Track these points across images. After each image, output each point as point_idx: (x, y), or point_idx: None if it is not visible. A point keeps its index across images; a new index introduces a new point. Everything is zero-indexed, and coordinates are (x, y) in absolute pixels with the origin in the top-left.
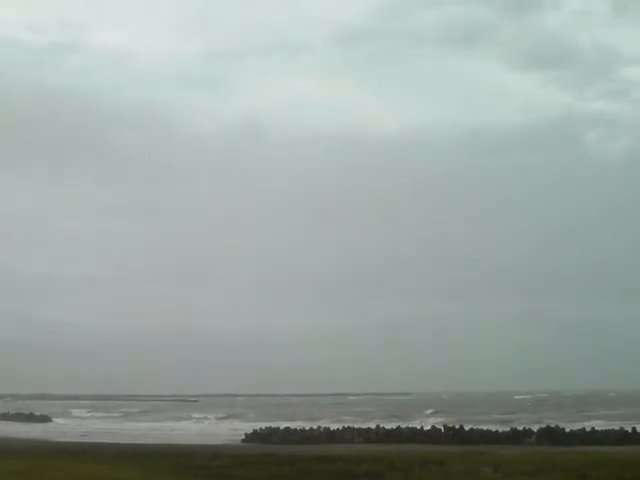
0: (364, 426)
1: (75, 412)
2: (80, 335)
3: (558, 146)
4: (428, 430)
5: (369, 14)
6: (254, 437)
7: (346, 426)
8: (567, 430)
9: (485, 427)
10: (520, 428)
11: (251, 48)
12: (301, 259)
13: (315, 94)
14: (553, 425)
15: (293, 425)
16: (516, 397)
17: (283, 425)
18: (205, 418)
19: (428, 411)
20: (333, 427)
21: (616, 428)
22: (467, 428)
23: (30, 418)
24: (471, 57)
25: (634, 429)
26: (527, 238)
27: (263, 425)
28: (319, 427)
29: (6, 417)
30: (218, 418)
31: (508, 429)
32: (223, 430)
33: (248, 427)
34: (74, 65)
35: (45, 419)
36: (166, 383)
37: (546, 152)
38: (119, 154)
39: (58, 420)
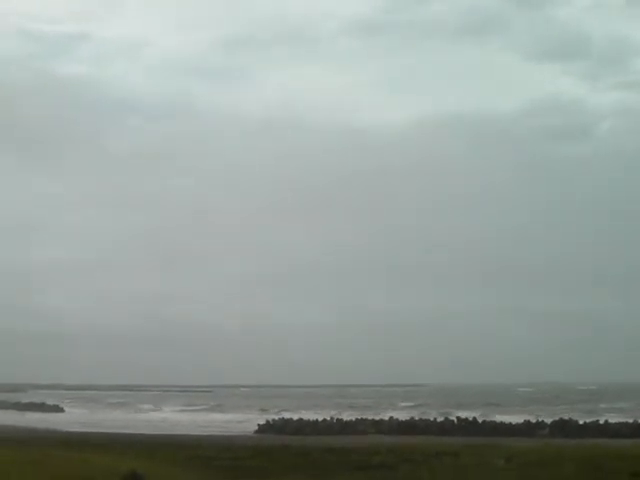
0: (376, 417)
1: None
2: (89, 325)
3: (571, 137)
4: (441, 422)
5: (381, 5)
6: (267, 428)
7: (360, 417)
8: (580, 422)
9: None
10: (533, 420)
11: (262, 39)
12: (298, 251)
13: (326, 85)
14: (566, 417)
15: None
16: (519, 389)
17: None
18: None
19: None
20: (346, 418)
21: (630, 421)
22: (480, 420)
23: (42, 408)
24: (484, 49)
25: None
26: (533, 230)
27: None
28: (332, 418)
29: (18, 407)
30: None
31: (521, 421)
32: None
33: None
34: (86, 55)
35: (57, 409)
36: (177, 374)
37: (559, 143)
38: (127, 144)
39: (71, 410)
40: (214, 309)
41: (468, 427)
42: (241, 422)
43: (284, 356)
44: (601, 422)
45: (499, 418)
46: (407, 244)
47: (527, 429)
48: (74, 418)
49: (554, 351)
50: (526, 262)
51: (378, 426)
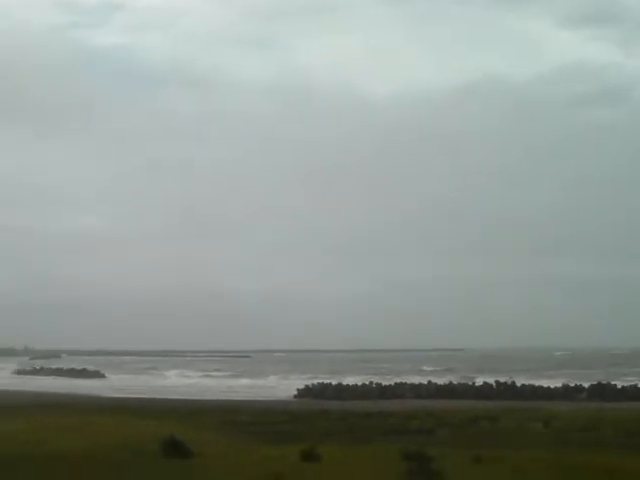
0: (415, 382)
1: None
2: (123, 293)
3: (607, 103)
4: (480, 386)
5: None
6: (306, 392)
7: (398, 382)
8: (619, 386)
9: (537, 382)
10: (572, 384)
11: (296, 8)
12: (329, 223)
13: (360, 53)
14: (604, 381)
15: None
16: (556, 353)
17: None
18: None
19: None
20: (385, 383)
21: None
22: (519, 384)
23: (83, 374)
24: (520, 15)
25: None
26: (566, 199)
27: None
28: (371, 382)
29: (58, 373)
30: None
31: (560, 385)
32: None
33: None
34: (120, 25)
35: (98, 375)
36: (217, 339)
37: (593, 109)
38: (160, 114)
39: (111, 376)
40: (247, 277)
41: (507, 391)
42: (272, 387)
43: (318, 322)
44: (639, 386)
45: (537, 382)
46: (438, 215)
47: (565, 393)
48: (112, 384)
49: (588, 317)
50: (560, 231)
51: (416, 390)
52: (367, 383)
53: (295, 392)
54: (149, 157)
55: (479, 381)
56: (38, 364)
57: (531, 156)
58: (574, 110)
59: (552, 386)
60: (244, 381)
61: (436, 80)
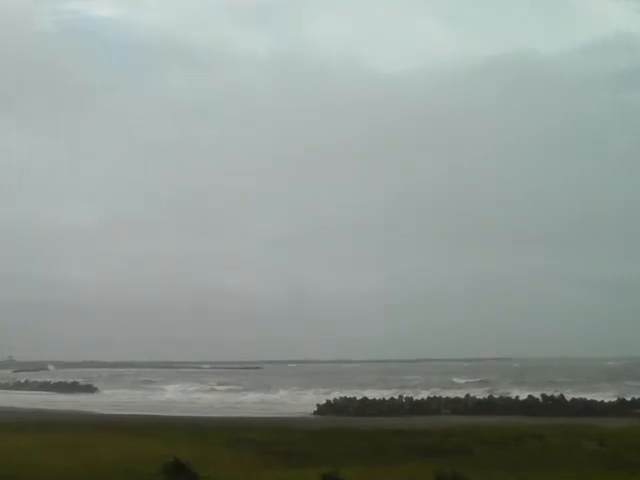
0: (451, 395)
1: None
2: (112, 296)
3: None
4: (524, 400)
5: None
6: (327, 409)
7: (431, 396)
8: None
9: (589, 396)
10: (628, 398)
11: None
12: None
13: (376, 26)
14: None
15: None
16: (610, 363)
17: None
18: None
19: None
20: (416, 397)
21: None
22: (569, 398)
23: (73, 388)
24: None
25: None
26: (605, 186)
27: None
28: (400, 397)
29: (46, 387)
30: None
31: (614, 399)
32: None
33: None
34: None
35: (90, 389)
36: (223, 349)
37: (636, 86)
38: (159, 94)
39: (105, 390)
40: (256, 280)
41: (554, 406)
42: (288, 402)
43: (332, 330)
44: None
45: (588, 396)
46: (459, 204)
47: (621, 408)
48: (106, 399)
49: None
50: (600, 224)
51: (453, 405)
52: (396, 397)
53: (314, 408)
54: (146, 139)
55: (522, 395)
56: (22, 377)
57: (561, 135)
58: (613, 87)
59: (605, 400)
60: (255, 395)
61: (458, 54)
